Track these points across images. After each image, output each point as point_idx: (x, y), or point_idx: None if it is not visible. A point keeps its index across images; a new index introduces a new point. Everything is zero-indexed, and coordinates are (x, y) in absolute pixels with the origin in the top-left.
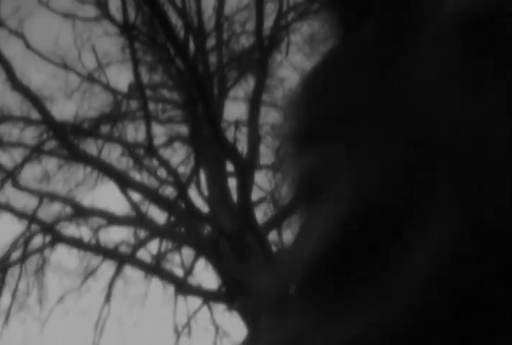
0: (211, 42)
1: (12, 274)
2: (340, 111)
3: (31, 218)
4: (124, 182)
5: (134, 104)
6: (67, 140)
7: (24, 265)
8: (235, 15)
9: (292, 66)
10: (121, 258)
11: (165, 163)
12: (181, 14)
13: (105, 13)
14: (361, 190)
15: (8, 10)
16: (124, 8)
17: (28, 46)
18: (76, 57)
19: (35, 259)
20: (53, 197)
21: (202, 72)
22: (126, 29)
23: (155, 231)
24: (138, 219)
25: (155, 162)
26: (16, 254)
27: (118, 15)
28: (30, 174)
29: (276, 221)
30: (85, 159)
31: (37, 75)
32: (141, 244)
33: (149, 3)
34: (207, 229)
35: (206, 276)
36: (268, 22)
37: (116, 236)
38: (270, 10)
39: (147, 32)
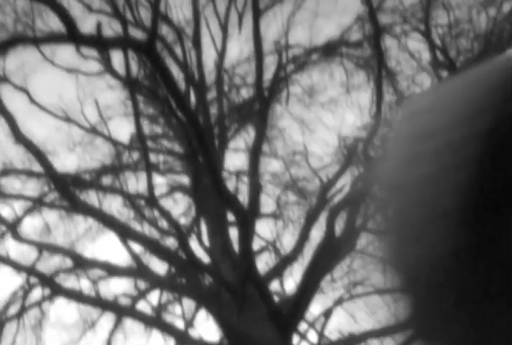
0: (211, 94)
1: (10, 327)
2: None
3: (30, 270)
4: (124, 233)
5: (135, 155)
6: (68, 192)
7: (22, 319)
8: (235, 67)
9: (292, 117)
10: (120, 310)
11: (165, 214)
12: (182, 67)
13: (108, 67)
14: None
15: (13, 66)
16: (126, 63)
17: (32, 100)
18: (79, 111)
19: (33, 313)
20: (53, 249)
21: (203, 124)
22: (128, 82)
23: (156, 282)
24: (139, 270)
25: (156, 213)
26: (14, 308)
27: (120, 69)
28: (31, 226)
29: (277, 271)
30: (86, 210)
31: (40, 128)
32: (141, 295)
33: (151, 58)
34: (208, 280)
35: (207, 328)
36: (268, 74)
37: (116, 287)
38: (270, 62)
39: (149, 85)
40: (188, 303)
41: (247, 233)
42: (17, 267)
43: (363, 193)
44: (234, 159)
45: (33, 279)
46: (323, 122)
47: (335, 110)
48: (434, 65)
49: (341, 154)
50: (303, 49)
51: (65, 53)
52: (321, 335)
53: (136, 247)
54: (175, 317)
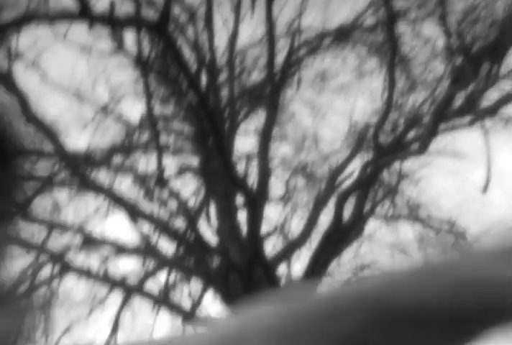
0: (222, 76)
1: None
2: None
3: (39, 248)
4: (134, 213)
5: (145, 135)
6: (79, 170)
7: (32, 297)
8: (247, 50)
9: (303, 101)
10: (129, 289)
11: (175, 194)
12: (194, 49)
13: (120, 47)
14: None
15: (26, 43)
16: (138, 42)
17: (44, 78)
18: (91, 90)
19: (43, 291)
20: (63, 227)
21: (213, 106)
22: (140, 62)
23: (164, 262)
24: (147, 250)
25: (166, 193)
26: (24, 286)
27: (133, 49)
28: (41, 204)
29: (285, 254)
30: (96, 189)
31: (52, 107)
32: (149, 274)
33: (163, 38)
34: (216, 261)
35: (214, 308)
36: (280, 57)
37: (124, 266)
38: (282, 46)
39: (161, 65)
40: (196, 284)
41: (256, 215)
42: (27, 244)
43: (372, 179)
44: (244, 142)
45: (43, 257)
46: (334, 107)
47: (346, 95)
48: (449, 51)
49: (351, 140)
50: (315, 33)
51: (78, 32)
52: None
53: (146, 227)
54: (183, 297)
